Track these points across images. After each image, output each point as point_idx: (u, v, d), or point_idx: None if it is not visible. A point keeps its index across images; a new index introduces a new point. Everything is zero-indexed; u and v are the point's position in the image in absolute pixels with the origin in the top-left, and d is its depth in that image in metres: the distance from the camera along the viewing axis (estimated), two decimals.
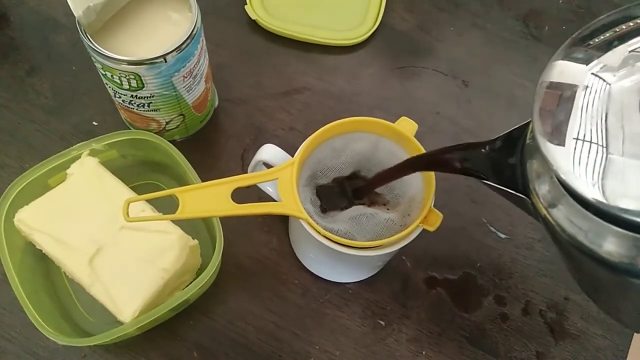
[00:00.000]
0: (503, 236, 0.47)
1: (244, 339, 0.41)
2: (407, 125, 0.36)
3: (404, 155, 0.37)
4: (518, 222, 0.47)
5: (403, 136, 0.36)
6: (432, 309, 0.43)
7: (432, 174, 0.34)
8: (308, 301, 0.43)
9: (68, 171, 0.40)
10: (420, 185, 0.36)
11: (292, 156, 0.36)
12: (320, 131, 0.35)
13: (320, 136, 0.36)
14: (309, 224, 0.33)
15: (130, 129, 0.48)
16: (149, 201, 0.40)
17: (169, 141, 0.43)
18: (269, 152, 0.38)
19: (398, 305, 0.43)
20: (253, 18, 0.54)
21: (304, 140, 0.36)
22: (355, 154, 0.38)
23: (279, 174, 0.34)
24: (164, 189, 0.46)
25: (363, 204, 0.37)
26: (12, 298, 0.36)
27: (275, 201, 0.42)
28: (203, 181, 0.39)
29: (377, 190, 0.37)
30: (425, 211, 0.33)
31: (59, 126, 0.49)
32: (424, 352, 0.42)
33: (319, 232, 0.33)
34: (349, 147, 0.37)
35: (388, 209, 0.36)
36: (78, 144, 0.41)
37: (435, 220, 0.33)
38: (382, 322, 0.43)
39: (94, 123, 0.49)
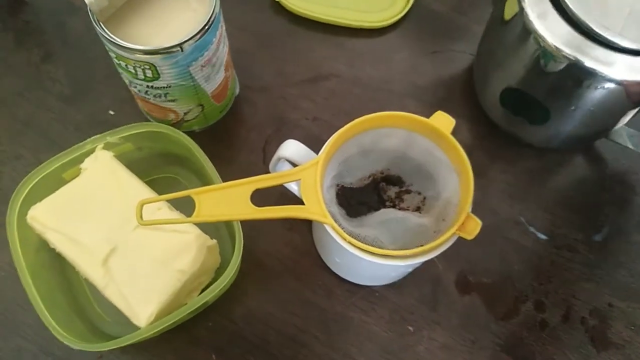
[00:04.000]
0: (543, 237, 0.43)
1: (264, 342, 0.40)
2: (443, 121, 0.33)
3: (439, 153, 0.34)
4: (559, 222, 0.44)
5: (439, 132, 0.33)
6: (464, 314, 0.41)
7: (470, 175, 0.31)
8: (332, 304, 0.41)
9: (82, 166, 0.39)
10: (457, 187, 0.33)
11: (316, 152, 0.33)
12: (345, 128, 0.32)
13: (346, 133, 0.33)
14: (334, 229, 0.31)
15: (147, 118, 0.46)
16: None
17: (188, 132, 0.41)
18: (291, 148, 0.35)
19: (428, 310, 0.41)
20: (276, 0, 0.51)
21: (329, 131, 0.33)
22: (385, 152, 0.35)
23: (302, 174, 0.31)
24: (182, 182, 0.44)
25: (393, 206, 0.34)
26: (28, 296, 0.35)
27: (299, 200, 0.40)
28: (222, 175, 0.38)
29: (410, 190, 0.34)
30: (462, 218, 0.30)
31: (74, 115, 0.47)
32: None
33: (344, 239, 0.31)
34: (378, 144, 0.34)
35: (420, 213, 0.33)
36: (92, 137, 0.39)
37: (474, 228, 0.30)
38: (411, 328, 0.40)
39: (111, 112, 0.47)
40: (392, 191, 0.35)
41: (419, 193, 0.34)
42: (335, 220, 0.31)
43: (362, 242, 0.30)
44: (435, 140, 0.34)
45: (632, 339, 0.40)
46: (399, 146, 0.34)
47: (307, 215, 0.31)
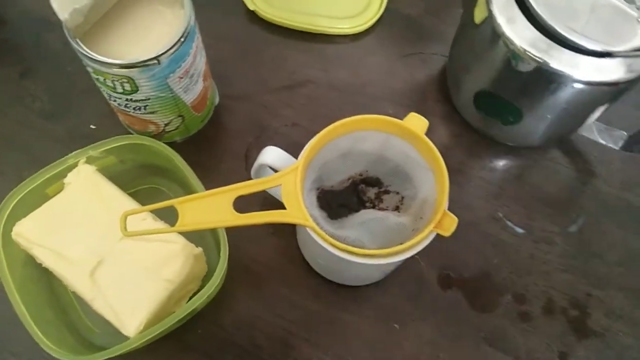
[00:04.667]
0: (520, 231, 0.45)
1: (254, 347, 0.40)
2: (416, 122, 0.34)
3: (414, 154, 0.35)
4: (536, 216, 0.45)
5: (413, 134, 0.34)
6: (448, 309, 0.42)
7: (445, 173, 0.32)
8: (319, 305, 0.41)
9: (65, 180, 0.39)
10: (433, 186, 0.34)
11: (297, 157, 0.34)
12: (322, 133, 0.33)
13: (323, 138, 0.33)
14: (315, 231, 0.31)
15: (128, 131, 0.46)
16: None
17: (169, 143, 0.41)
18: (271, 155, 0.36)
19: (412, 307, 0.42)
20: (251, 9, 0.52)
21: (308, 137, 0.34)
22: (363, 154, 0.35)
23: (282, 180, 0.32)
24: (166, 193, 0.44)
25: (373, 207, 0.35)
26: (16, 312, 0.35)
27: (282, 205, 0.40)
28: (205, 184, 0.38)
29: (388, 191, 0.35)
30: (438, 215, 0.31)
31: (55, 131, 0.47)
32: (441, 355, 0.40)
33: (326, 240, 0.31)
34: (355, 148, 0.35)
35: (399, 213, 0.34)
36: (74, 152, 0.39)
37: (450, 225, 0.31)
38: (397, 325, 0.41)
39: (92, 126, 0.47)
40: (371, 192, 0.36)
41: (397, 193, 0.35)
42: (317, 223, 0.32)
43: (343, 243, 0.31)
44: (410, 141, 0.35)
45: (611, 327, 0.42)
46: (376, 149, 0.35)
47: (289, 219, 0.32)
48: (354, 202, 0.35)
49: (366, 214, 0.34)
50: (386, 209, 0.35)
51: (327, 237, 0.31)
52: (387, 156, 0.35)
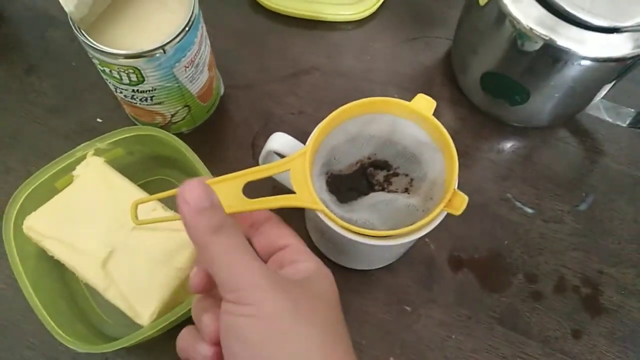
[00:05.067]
0: (530, 211, 0.45)
1: None
2: (424, 103, 0.34)
3: (422, 136, 0.35)
4: (545, 195, 0.45)
5: (420, 115, 0.34)
6: (459, 291, 0.42)
7: (454, 152, 0.32)
8: None
9: (74, 173, 0.39)
10: (442, 167, 0.34)
11: (304, 143, 0.34)
12: (330, 117, 0.33)
13: (331, 122, 0.33)
14: (326, 214, 0.31)
15: (135, 123, 0.46)
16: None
17: (176, 134, 0.41)
18: (278, 141, 0.36)
19: (423, 290, 0.42)
20: None
21: (314, 124, 0.34)
22: (371, 138, 0.35)
23: (291, 164, 0.32)
24: (175, 184, 0.44)
25: (382, 189, 0.35)
26: (30, 305, 0.35)
27: (291, 191, 0.40)
28: (214, 173, 0.38)
29: (397, 173, 0.35)
30: (448, 195, 0.31)
31: (62, 125, 0.47)
32: (453, 337, 0.40)
33: (336, 223, 0.31)
34: (364, 131, 0.35)
35: (409, 194, 0.34)
36: (82, 144, 0.40)
37: (460, 203, 0.31)
38: (408, 308, 0.41)
39: (99, 120, 0.47)
40: (380, 175, 0.35)
41: (406, 175, 0.35)
42: (327, 207, 0.32)
43: (354, 226, 0.31)
44: (418, 123, 0.35)
45: (624, 303, 0.42)
46: (384, 131, 0.35)
47: (299, 203, 0.32)
48: (364, 186, 0.35)
49: (376, 197, 0.34)
50: (395, 191, 0.35)
51: (337, 219, 0.31)
52: (394, 139, 0.35)
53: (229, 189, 0.31)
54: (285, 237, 0.31)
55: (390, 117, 0.35)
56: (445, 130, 0.33)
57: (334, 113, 0.33)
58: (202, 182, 0.26)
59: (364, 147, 0.36)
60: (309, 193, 0.31)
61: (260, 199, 0.31)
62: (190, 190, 0.26)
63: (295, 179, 0.32)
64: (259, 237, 0.31)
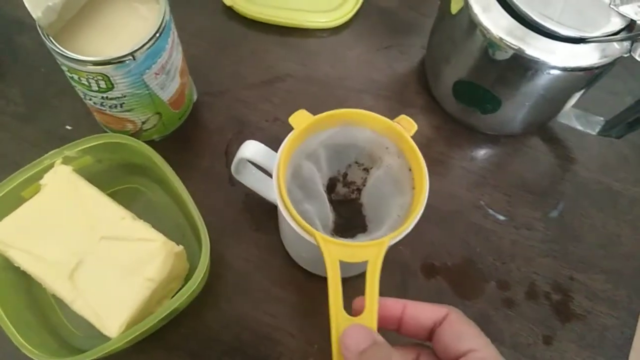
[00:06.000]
0: (502, 218, 0.45)
1: (239, 342, 0.40)
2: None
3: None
4: (517, 202, 0.46)
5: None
6: (432, 298, 0.42)
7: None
8: (302, 299, 0.41)
9: (41, 182, 0.38)
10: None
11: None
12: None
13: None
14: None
15: (105, 131, 0.45)
16: (126, 207, 0.38)
17: (148, 141, 0.41)
18: (251, 149, 0.36)
19: (398, 296, 0.41)
20: (228, 4, 0.51)
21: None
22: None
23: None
24: (145, 192, 0.44)
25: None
26: None
27: (266, 200, 0.40)
28: (185, 181, 0.38)
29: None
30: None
31: (31, 133, 0.46)
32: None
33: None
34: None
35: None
36: (50, 153, 0.39)
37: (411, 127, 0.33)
38: None
39: (68, 127, 0.47)
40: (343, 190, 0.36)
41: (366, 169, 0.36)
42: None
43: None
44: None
45: (593, 309, 0.42)
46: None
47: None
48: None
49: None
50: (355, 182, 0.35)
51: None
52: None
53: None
54: (467, 339, 0.28)
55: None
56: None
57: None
58: (358, 326, 0.27)
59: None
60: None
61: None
62: (348, 337, 0.26)
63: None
64: (434, 343, 0.29)
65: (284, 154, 0.32)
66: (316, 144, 0.35)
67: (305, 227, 0.31)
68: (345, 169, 0.37)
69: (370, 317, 0.28)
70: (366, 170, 0.36)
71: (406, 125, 0.34)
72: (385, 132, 0.34)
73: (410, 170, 0.34)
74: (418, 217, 0.32)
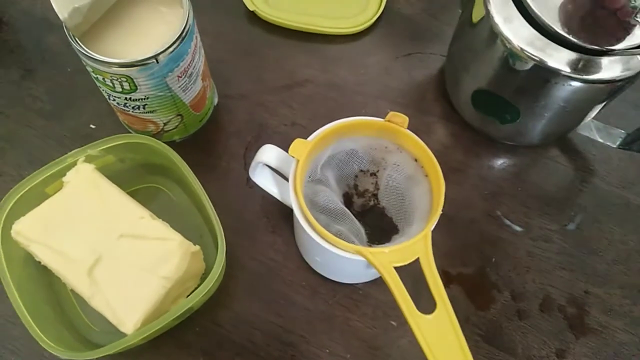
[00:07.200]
0: (518, 229, 0.45)
1: (251, 344, 0.40)
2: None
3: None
4: (534, 214, 0.45)
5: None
6: None
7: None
8: (316, 303, 0.42)
9: (64, 179, 0.39)
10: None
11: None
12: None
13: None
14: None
15: (128, 131, 0.46)
16: (146, 206, 0.39)
17: (168, 142, 0.42)
18: (269, 153, 0.36)
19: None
20: (251, 9, 0.52)
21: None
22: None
23: None
24: (165, 192, 0.45)
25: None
26: (15, 310, 0.35)
27: (280, 201, 0.41)
28: (204, 182, 0.38)
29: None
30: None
31: (56, 131, 0.47)
32: None
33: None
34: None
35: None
36: (73, 151, 0.40)
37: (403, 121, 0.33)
38: (394, 323, 0.41)
39: (92, 126, 0.48)
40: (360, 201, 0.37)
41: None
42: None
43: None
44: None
45: (609, 324, 0.42)
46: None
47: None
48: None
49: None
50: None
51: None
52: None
53: None
54: None
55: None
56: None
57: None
58: None
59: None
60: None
61: None
62: None
63: None
64: None
65: (298, 186, 0.33)
66: (320, 167, 0.36)
67: (348, 247, 0.31)
68: (353, 180, 0.37)
69: (445, 310, 0.29)
70: (373, 175, 0.36)
71: (398, 121, 0.34)
72: (380, 133, 0.35)
73: (416, 160, 0.34)
74: (442, 196, 0.32)
